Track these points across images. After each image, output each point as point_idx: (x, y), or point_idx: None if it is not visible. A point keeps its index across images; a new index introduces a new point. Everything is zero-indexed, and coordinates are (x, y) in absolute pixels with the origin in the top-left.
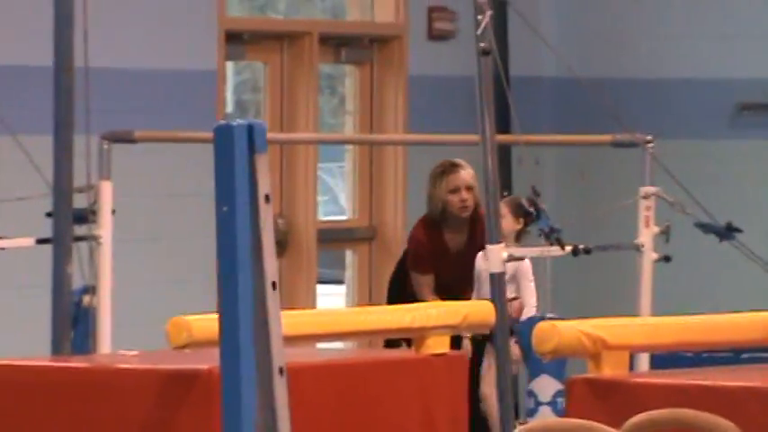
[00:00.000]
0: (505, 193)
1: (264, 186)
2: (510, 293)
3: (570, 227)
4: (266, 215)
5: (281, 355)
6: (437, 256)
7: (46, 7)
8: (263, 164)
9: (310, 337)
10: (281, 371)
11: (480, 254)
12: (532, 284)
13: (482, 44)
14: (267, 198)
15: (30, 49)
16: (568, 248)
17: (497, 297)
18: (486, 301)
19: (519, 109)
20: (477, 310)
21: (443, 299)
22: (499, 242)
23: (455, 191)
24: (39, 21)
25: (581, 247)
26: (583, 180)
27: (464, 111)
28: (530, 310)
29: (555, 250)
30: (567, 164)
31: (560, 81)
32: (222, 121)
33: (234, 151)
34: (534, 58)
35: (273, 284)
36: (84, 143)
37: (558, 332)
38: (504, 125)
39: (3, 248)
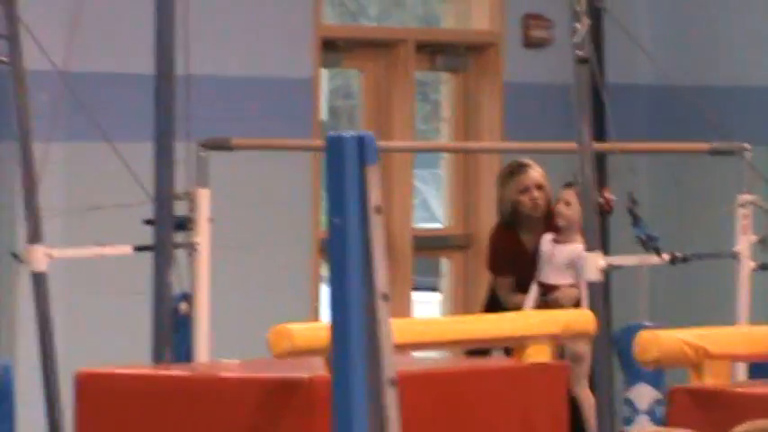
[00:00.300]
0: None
1: (375, 198)
2: (566, 279)
3: (666, 235)
4: (377, 227)
5: (392, 367)
6: (515, 258)
7: (147, 16)
8: (374, 175)
9: (412, 346)
10: (391, 382)
11: (545, 236)
12: None
13: (579, 52)
14: (378, 209)
15: (129, 57)
16: (666, 257)
17: (596, 305)
18: (586, 311)
19: (614, 117)
20: (577, 319)
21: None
22: (597, 250)
23: (525, 191)
24: (139, 29)
25: (678, 255)
26: (678, 188)
27: (560, 118)
28: (586, 302)
29: (652, 258)
30: (663, 172)
31: (656, 88)
32: (333, 133)
33: (345, 163)
34: (630, 65)
35: (384, 296)
36: (183, 151)
37: (660, 342)
38: (599, 133)
39: (102, 255)
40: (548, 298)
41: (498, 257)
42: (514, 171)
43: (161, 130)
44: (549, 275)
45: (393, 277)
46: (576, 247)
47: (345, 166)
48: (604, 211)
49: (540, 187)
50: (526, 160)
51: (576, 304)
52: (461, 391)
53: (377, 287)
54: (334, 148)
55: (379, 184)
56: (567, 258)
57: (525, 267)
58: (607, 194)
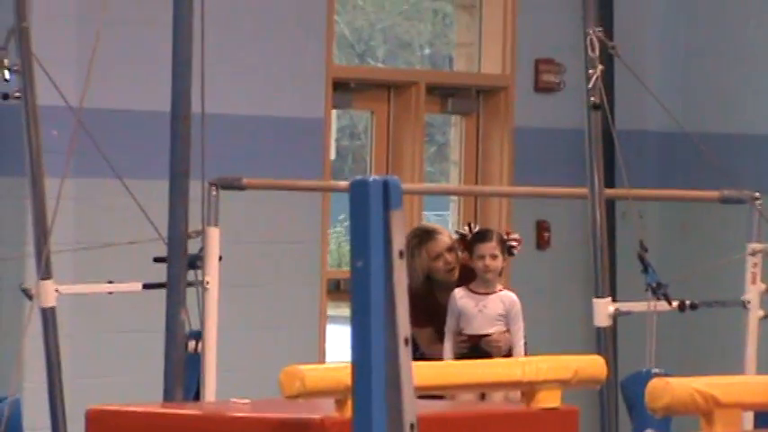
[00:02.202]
0: (463, 229)
1: (399, 242)
2: (498, 327)
3: (675, 282)
4: (400, 271)
5: (413, 411)
6: (432, 310)
7: (162, 53)
8: (398, 220)
9: (421, 389)
10: (411, 427)
11: (456, 292)
12: (522, 325)
13: (593, 98)
14: (401, 254)
15: (142, 94)
16: (675, 304)
17: (607, 352)
18: (597, 356)
19: (624, 163)
20: (588, 365)
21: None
22: (607, 295)
23: (438, 257)
24: (153, 66)
25: (687, 302)
26: (686, 235)
27: (569, 163)
28: (519, 351)
29: (662, 305)
30: (671, 219)
31: (666, 135)
32: (359, 177)
33: (369, 207)
34: (640, 111)
35: (406, 340)
36: (196, 189)
37: (671, 389)
38: (609, 179)
39: (110, 293)
40: (485, 344)
41: (416, 310)
42: (423, 239)
43: (176, 169)
44: (482, 327)
45: None
46: (505, 294)
47: (370, 210)
48: (512, 254)
49: (450, 250)
50: (432, 225)
51: (509, 350)
52: None
53: (399, 331)
54: (359, 192)
55: (403, 229)
56: (502, 308)
57: (441, 321)
58: (514, 236)
